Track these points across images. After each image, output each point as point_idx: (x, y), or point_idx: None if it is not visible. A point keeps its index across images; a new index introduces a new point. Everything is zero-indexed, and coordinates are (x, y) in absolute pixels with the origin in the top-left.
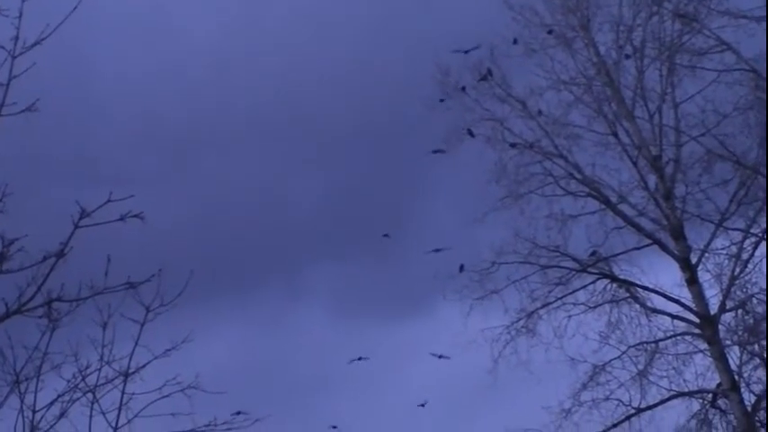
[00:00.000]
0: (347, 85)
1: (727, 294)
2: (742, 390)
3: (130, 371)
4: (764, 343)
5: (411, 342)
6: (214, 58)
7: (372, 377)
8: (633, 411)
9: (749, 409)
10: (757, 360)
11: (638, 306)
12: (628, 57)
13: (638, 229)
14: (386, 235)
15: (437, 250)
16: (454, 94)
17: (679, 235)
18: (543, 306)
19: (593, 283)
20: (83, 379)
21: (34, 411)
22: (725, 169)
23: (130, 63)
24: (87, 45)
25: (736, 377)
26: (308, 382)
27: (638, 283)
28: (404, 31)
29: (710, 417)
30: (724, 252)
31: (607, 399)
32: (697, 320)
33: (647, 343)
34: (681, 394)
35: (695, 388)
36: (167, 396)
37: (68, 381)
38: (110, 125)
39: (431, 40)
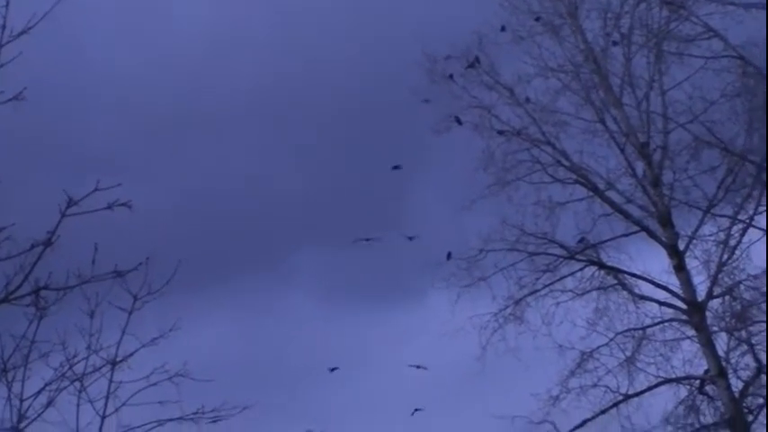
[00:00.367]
0: (334, 73)
1: (714, 281)
2: (729, 376)
3: (118, 359)
4: (752, 329)
5: (399, 330)
6: (202, 46)
7: (361, 365)
8: (621, 398)
9: (737, 395)
10: (745, 346)
11: (625, 293)
12: (615, 44)
13: (626, 215)
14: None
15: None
16: (442, 82)
17: (667, 222)
18: (531, 293)
19: (580, 270)
20: (70, 367)
21: (22, 400)
22: (712, 156)
23: (117, 51)
24: (75, 33)
25: (724, 363)
26: (296, 369)
27: (625, 269)
28: (392, 18)
29: (698, 403)
30: (712, 239)
31: (595, 385)
32: (685, 307)
33: (634, 330)
34: (668, 381)
35: (683, 374)
36: (155, 384)
37: (56, 369)
38: (97, 113)
39: (419, 28)
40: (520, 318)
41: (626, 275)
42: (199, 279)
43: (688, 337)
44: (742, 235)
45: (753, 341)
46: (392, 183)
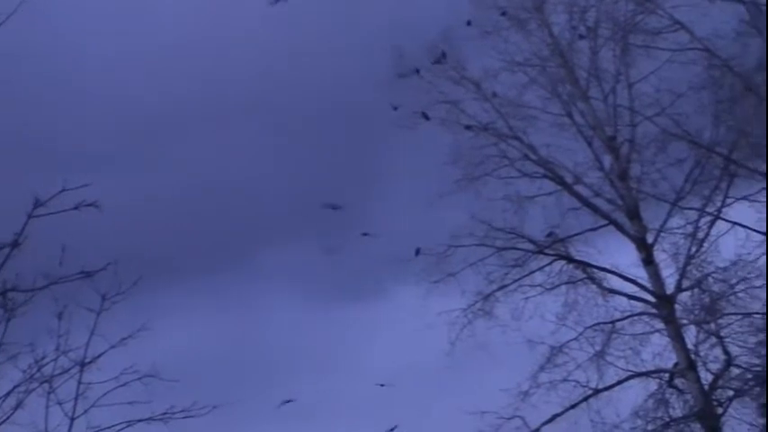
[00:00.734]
0: (303, 71)
1: (683, 274)
2: (699, 369)
3: (87, 360)
4: (721, 321)
5: (369, 326)
6: (177, 43)
7: (333, 360)
8: (591, 392)
9: (706, 387)
10: (714, 339)
11: (594, 287)
12: (582, 37)
13: (594, 209)
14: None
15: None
16: (409, 77)
17: (635, 215)
18: (500, 288)
19: (549, 264)
20: (39, 369)
21: None
22: (680, 149)
23: (85, 50)
24: (43, 30)
25: (693, 356)
26: (268, 366)
27: (594, 263)
28: (360, 13)
29: (668, 396)
30: (680, 231)
31: (565, 380)
32: (654, 300)
33: (604, 323)
34: (638, 374)
35: (652, 368)
36: (124, 385)
37: (24, 371)
38: (65, 112)
39: (387, 23)
40: (489, 313)
41: (595, 269)
42: (168, 279)
43: (657, 331)
44: (710, 227)
45: (722, 333)
46: (361, 179)
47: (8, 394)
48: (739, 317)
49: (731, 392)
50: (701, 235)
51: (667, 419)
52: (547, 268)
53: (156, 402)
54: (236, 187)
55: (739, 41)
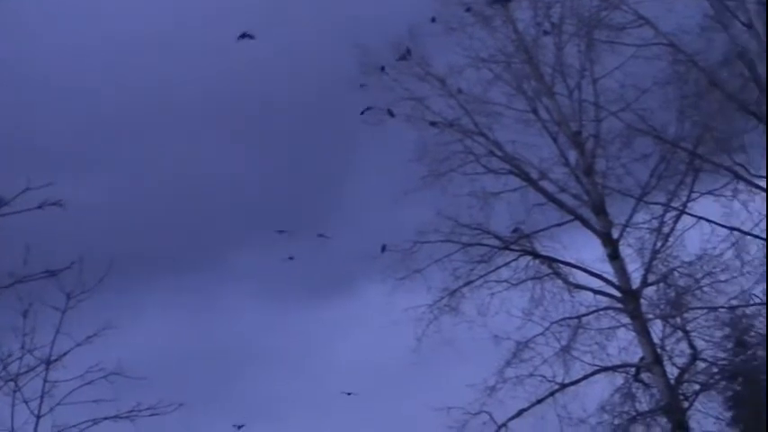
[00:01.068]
0: (268, 69)
1: (648, 268)
2: (665, 363)
3: (52, 358)
4: (687, 316)
5: (336, 323)
6: (138, 38)
7: (300, 358)
8: (557, 387)
9: (672, 381)
10: (680, 333)
11: (560, 282)
12: (546, 33)
13: (560, 205)
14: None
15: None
16: (374, 74)
17: (600, 210)
18: (466, 284)
19: (515, 260)
20: (4, 368)
21: None
22: (645, 144)
23: (48, 48)
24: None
25: (659, 350)
26: (233, 364)
27: (560, 259)
28: (324, 10)
29: (634, 390)
30: (645, 226)
31: (531, 375)
32: (619, 295)
33: (570, 318)
34: (604, 369)
35: (618, 362)
36: (90, 383)
37: None
38: (26, 110)
39: (352, 20)
40: (455, 309)
41: (560, 265)
42: (133, 277)
43: (623, 325)
44: (675, 222)
45: (687, 328)
46: (327, 177)
47: None
48: (705, 311)
49: (697, 386)
50: (666, 230)
51: (634, 413)
52: (513, 264)
53: (121, 400)
54: (203, 187)
55: (704, 36)
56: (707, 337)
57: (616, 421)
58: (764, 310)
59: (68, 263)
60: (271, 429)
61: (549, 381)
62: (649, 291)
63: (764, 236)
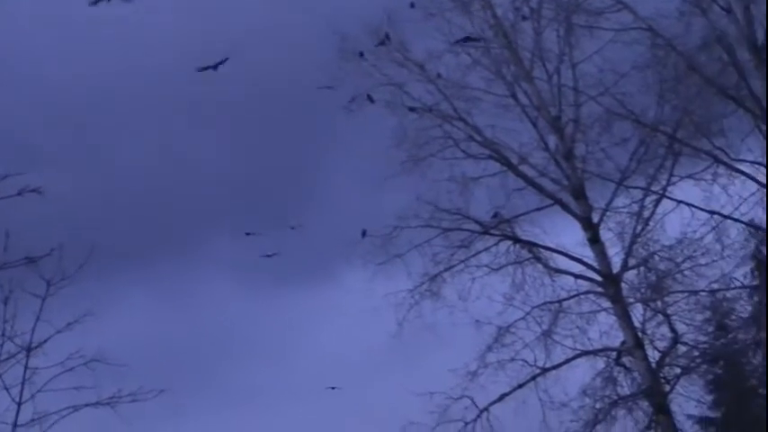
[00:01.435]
0: (246, 55)
1: (629, 252)
2: (646, 346)
3: (33, 345)
4: (667, 299)
5: (317, 309)
6: (113, 25)
7: (281, 345)
8: (539, 371)
9: (654, 365)
10: (660, 317)
11: (541, 266)
12: (525, 18)
13: (540, 189)
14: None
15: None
16: (353, 60)
17: (580, 194)
18: (447, 269)
19: (495, 244)
20: None
21: None
22: (624, 128)
23: (25, 35)
24: None
25: (640, 334)
26: (214, 352)
27: (540, 243)
28: None
29: (615, 374)
30: (625, 210)
31: (512, 360)
32: (600, 279)
33: (550, 303)
34: (585, 353)
35: (600, 346)
36: (71, 370)
37: None
38: (6, 98)
39: (330, 6)
40: (436, 294)
41: (541, 249)
42: (113, 264)
43: (604, 309)
44: (655, 206)
45: (668, 311)
46: (306, 163)
47: None
48: (686, 295)
49: (678, 370)
50: (646, 214)
51: (615, 397)
52: (493, 249)
53: (102, 387)
54: (183, 173)
55: (682, 21)
56: (688, 321)
57: (598, 405)
58: (745, 294)
59: (48, 250)
60: (252, 416)
61: (531, 365)
62: (630, 275)
63: (744, 219)
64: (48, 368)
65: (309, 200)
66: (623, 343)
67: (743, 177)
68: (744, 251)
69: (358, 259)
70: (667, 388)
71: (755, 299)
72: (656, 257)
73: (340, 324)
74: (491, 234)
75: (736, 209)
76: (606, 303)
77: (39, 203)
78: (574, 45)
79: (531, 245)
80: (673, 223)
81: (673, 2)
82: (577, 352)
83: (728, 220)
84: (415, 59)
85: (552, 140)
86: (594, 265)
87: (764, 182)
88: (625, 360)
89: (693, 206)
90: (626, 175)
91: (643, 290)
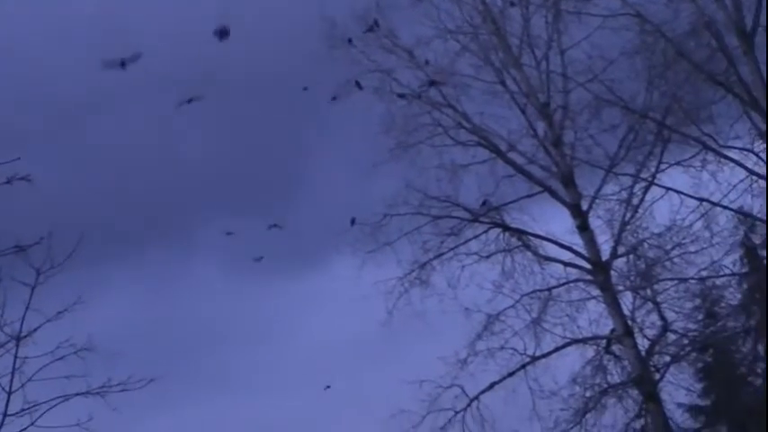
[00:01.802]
0: (233, 43)
1: (618, 240)
2: (635, 335)
3: (23, 334)
4: (657, 287)
5: (306, 297)
6: (99, 13)
7: (271, 333)
8: (528, 359)
9: (643, 353)
10: (650, 305)
11: (530, 254)
12: (513, 5)
13: (529, 176)
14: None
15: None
16: (341, 46)
17: (569, 182)
18: (436, 257)
19: (485, 232)
20: None
21: None
22: (613, 115)
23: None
24: None
25: (630, 322)
26: (204, 339)
27: (529, 231)
28: None
29: (605, 362)
30: (614, 198)
31: (502, 348)
32: (589, 267)
33: (540, 291)
34: (575, 341)
35: (589, 334)
36: (61, 359)
37: None
38: None
39: None
40: (425, 281)
41: (530, 237)
42: (102, 252)
43: (593, 297)
44: (644, 193)
45: (658, 299)
46: (294, 150)
47: None
48: (675, 282)
49: (668, 358)
50: (635, 201)
51: (605, 386)
52: (482, 236)
53: (92, 376)
54: (172, 161)
55: (671, 7)
56: (677, 309)
57: (587, 393)
58: (734, 282)
59: (37, 238)
60: (241, 404)
61: (520, 353)
62: (619, 262)
63: (733, 206)
64: (38, 357)
65: (298, 188)
66: (613, 331)
67: (732, 164)
68: (733, 238)
69: (347, 247)
70: (657, 376)
71: (744, 286)
72: (646, 245)
73: (330, 312)
74: (480, 222)
75: (725, 196)
76: (596, 291)
77: (28, 191)
78: (562, 31)
79: (520, 232)
80: (662, 210)
81: None
82: (567, 340)
83: (717, 208)
84: (403, 46)
85: (541, 127)
86: (584, 252)
87: (752, 168)
88: (615, 348)
89: (682, 193)
90: (615, 162)
91: (632, 278)
